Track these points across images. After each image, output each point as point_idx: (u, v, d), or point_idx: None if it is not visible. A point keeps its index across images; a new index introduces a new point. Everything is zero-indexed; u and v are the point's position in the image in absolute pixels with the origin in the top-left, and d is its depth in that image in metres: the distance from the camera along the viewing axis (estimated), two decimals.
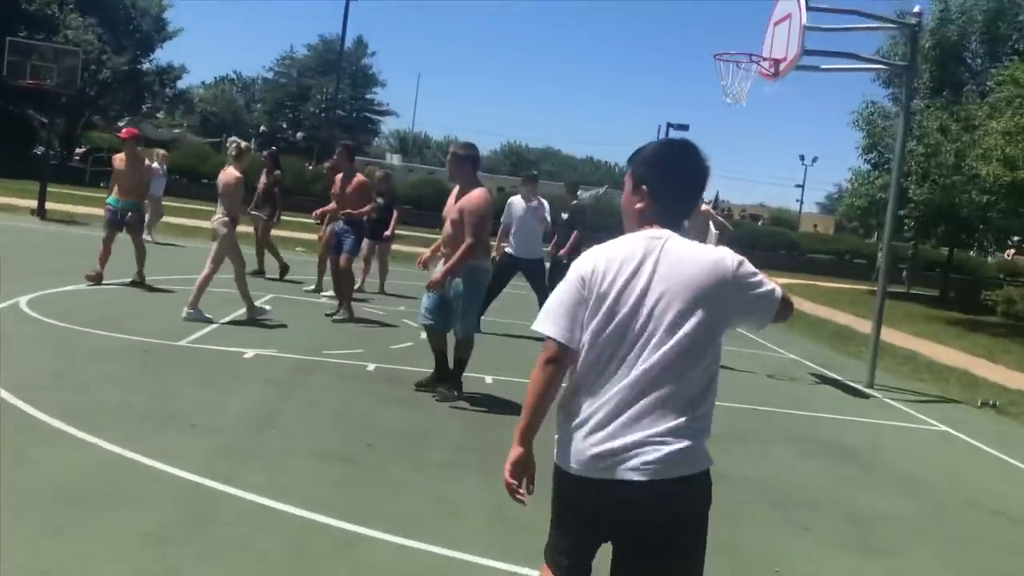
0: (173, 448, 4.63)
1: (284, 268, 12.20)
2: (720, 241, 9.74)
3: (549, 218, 9.86)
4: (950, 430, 7.75)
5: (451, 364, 6.53)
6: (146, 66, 38.92)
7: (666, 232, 2.32)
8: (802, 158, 67.07)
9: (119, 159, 10.02)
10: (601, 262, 2.31)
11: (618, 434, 2.22)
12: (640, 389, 2.22)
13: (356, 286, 10.69)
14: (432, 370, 6.65)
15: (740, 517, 4.61)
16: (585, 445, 2.25)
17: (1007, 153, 15.67)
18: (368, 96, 66.90)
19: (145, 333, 7.42)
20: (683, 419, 2.22)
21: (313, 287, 11.36)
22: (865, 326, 16.05)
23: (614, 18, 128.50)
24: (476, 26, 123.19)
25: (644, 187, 2.38)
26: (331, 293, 10.22)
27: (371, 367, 7.30)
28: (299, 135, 63.24)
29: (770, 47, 9.49)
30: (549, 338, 2.31)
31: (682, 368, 2.23)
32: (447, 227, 6.28)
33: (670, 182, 2.37)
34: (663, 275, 2.25)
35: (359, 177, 9.65)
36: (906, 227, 23.08)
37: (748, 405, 7.65)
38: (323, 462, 4.78)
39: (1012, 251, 34.77)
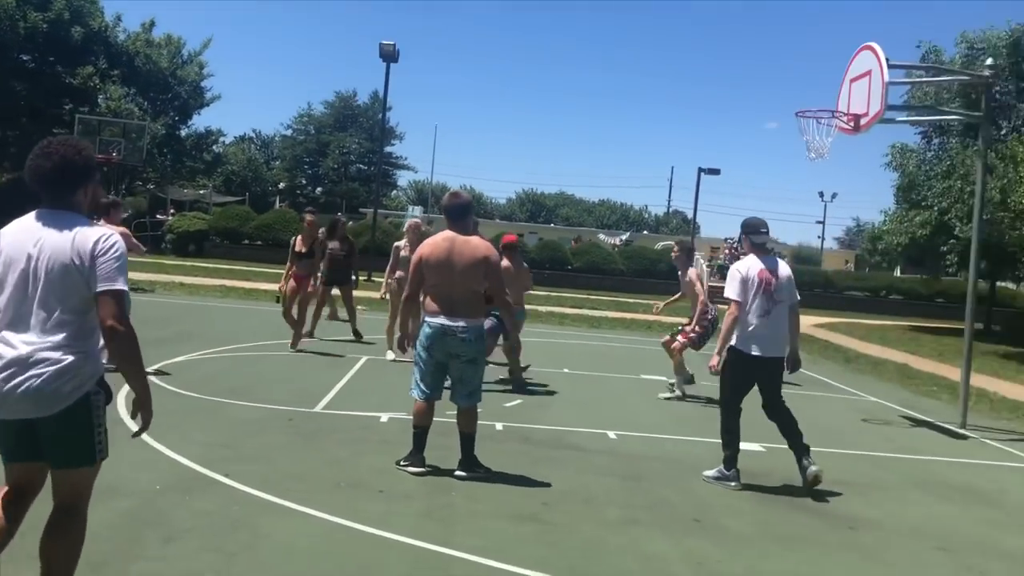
0: (376, 514, 4.91)
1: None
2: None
3: None
4: None
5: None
6: (184, 132, 39.90)
7: None
8: (821, 195, 67.58)
9: None
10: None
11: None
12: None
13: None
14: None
15: (923, 565, 4.86)
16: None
17: None
18: (386, 149, 68.03)
19: (280, 401, 7.77)
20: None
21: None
22: (921, 363, 16.27)
23: (631, 61, 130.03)
24: (488, 77, 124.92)
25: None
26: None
27: (499, 426, 7.55)
28: (318, 190, 64.22)
29: (848, 103, 9.86)
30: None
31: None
32: None
33: None
34: None
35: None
36: (947, 262, 23.34)
37: (860, 451, 7.88)
38: (512, 522, 5.03)
39: None
